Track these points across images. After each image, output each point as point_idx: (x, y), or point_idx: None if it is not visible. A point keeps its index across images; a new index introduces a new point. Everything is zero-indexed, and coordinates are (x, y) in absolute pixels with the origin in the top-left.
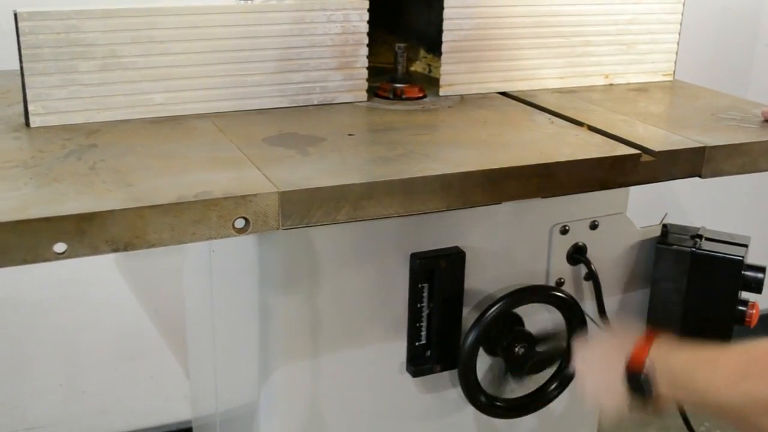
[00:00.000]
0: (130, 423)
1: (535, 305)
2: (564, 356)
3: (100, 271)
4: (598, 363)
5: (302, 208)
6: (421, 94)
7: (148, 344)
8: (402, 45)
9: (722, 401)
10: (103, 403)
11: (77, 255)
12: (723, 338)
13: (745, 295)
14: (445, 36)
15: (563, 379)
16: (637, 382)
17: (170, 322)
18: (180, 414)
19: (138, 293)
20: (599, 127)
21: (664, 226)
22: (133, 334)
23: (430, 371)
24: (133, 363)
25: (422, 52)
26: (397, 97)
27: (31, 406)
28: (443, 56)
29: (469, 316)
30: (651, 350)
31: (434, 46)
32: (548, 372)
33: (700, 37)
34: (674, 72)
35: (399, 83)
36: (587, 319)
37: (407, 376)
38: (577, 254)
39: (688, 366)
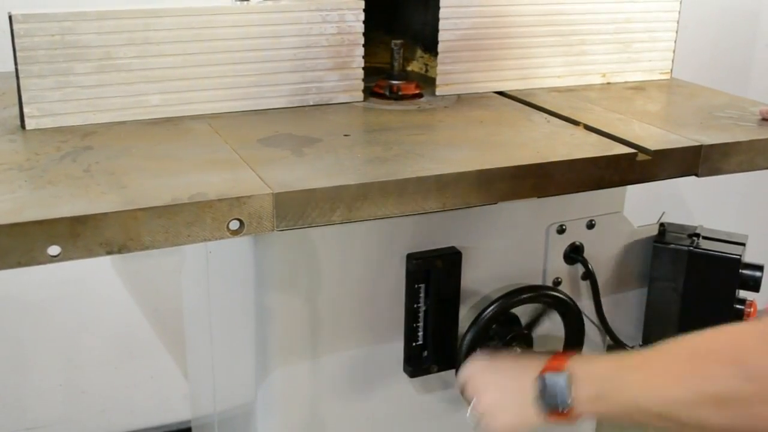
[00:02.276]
0: (130, 423)
1: (533, 305)
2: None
3: (100, 272)
4: (502, 377)
5: (297, 210)
6: (417, 91)
7: (148, 344)
8: (398, 42)
9: (659, 402)
10: (103, 403)
11: (71, 258)
12: None
13: (743, 293)
14: (442, 35)
15: None
16: (552, 389)
17: (169, 322)
18: (180, 414)
19: (137, 294)
20: (596, 126)
21: (662, 225)
22: (133, 334)
23: (428, 372)
24: (133, 363)
25: (419, 52)
26: (394, 94)
27: (31, 406)
28: (440, 56)
29: (466, 316)
30: (568, 361)
31: (431, 46)
32: None
33: (699, 37)
34: (671, 70)
35: (395, 80)
36: (584, 318)
37: (404, 376)
38: (574, 254)
39: (615, 372)
